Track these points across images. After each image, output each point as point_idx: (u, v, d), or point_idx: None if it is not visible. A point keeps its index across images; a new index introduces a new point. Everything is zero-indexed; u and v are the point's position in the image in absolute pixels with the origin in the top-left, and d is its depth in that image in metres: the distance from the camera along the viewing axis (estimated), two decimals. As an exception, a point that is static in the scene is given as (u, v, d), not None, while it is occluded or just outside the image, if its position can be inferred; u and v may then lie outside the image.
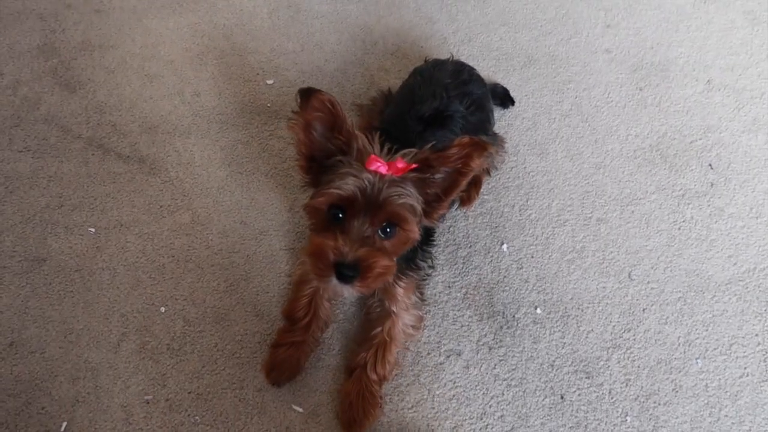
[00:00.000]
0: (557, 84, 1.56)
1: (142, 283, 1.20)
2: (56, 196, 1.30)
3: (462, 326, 1.17)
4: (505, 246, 1.28)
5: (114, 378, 1.09)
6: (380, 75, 1.54)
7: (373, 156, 0.85)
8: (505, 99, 1.48)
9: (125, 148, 1.38)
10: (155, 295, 1.18)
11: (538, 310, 1.20)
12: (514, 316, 1.19)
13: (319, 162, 0.91)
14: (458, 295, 1.21)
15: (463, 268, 1.25)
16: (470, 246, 1.28)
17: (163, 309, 1.17)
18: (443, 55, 1.35)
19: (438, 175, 0.89)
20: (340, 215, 0.87)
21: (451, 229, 1.30)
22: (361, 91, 1.50)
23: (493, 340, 1.16)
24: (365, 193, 0.84)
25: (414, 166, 0.86)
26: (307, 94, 0.84)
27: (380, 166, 0.84)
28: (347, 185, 0.84)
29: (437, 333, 1.16)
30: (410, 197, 0.86)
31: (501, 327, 1.18)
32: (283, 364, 1.08)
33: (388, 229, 0.87)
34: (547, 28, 1.69)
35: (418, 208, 0.88)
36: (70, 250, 1.23)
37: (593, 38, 1.67)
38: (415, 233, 0.89)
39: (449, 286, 1.22)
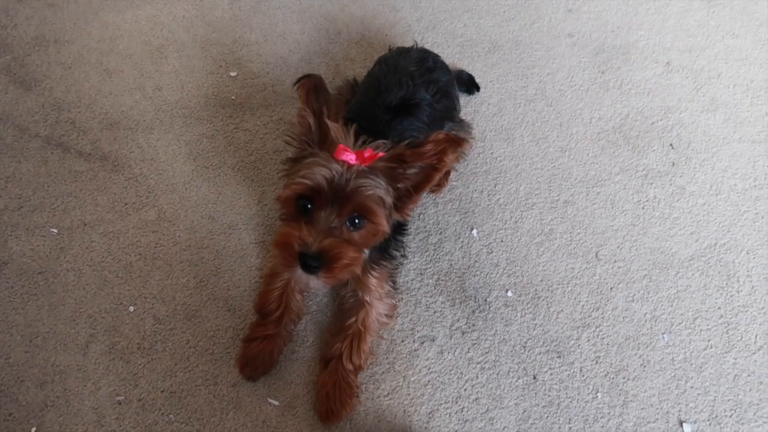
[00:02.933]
0: (521, 69, 1.57)
1: (109, 282, 1.17)
2: (15, 198, 1.26)
3: (435, 312, 1.18)
4: (474, 231, 1.29)
5: (83, 380, 1.07)
6: (345, 64, 1.53)
7: (341, 146, 0.84)
8: (470, 85, 1.49)
9: (86, 146, 1.35)
10: (123, 295, 1.16)
11: (509, 293, 1.22)
12: (485, 300, 1.20)
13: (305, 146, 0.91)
14: (430, 281, 1.22)
15: (434, 254, 1.25)
16: (440, 232, 1.28)
17: (131, 308, 1.15)
18: (408, 43, 1.34)
19: (411, 170, 0.88)
20: (308, 206, 0.86)
21: (421, 216, 1.30)
22: (326, 80, 1.48)
23: (465, 324, 1.17)
24: (332, 183, 0.83)
25: (381, 154, 0.85)
26: (304, 78, 0.88)
27: (349, 156, 0.83)
28: (314, 175, 0.83)
29: (410, 320, 1.17)
30: (379, 189, 0.85)
31: (473, 311, 1.19)
32: (257, 358, 1.07)
33: (356, 221, 0.87)
34: (510, 13, 1.70)
35: (388, 200, 0.87)
36: (33, 252, 1.20)
37: (555, 23, 1.69)
38: (384, 226, 0.88)
39: (421, 273, 1.23)
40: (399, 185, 0.89)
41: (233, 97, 1.44)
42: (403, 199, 0.91)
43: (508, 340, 1.16)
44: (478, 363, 1.13)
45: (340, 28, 1.61)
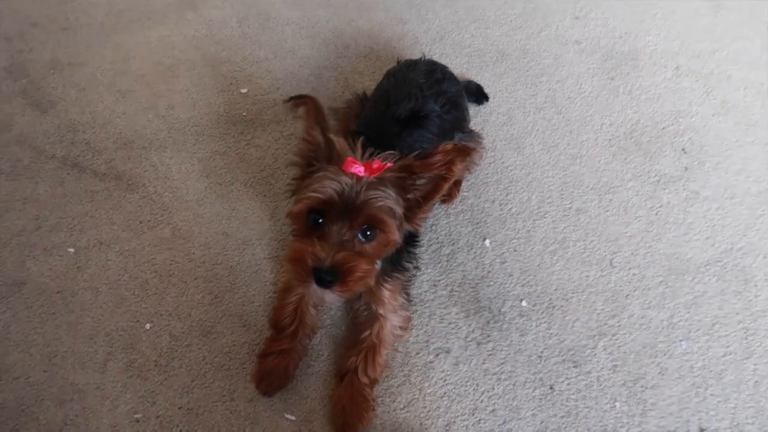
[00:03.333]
0: (530, 78, 1.58)
1: (126, 300, 1.19)
2: (33, 218, 1.29)
3: (449, 324, 1.18)
4: (487, 241, 1.29)
5: (102, 398, 1.08)
6: (354, 78, 1.55)
7: (350, 158, 0.85)
8: (479, 95, 1.49)
9: (101, 166, 1.37)
10: (140, 312, 1.17)
11: (524, 303, 1.21)
12: (500, 311, 1.20)
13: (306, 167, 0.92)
14: (444, 293, 1.22)
15: (447, 265, 1.25)
16: (453, 243, 1.28)
17: (148, 326, 1.16)
18: (416, 55, 1.35)
19: (420, 181, 0.88)
20: (320, 220, 0.87)
21: (433, 227, 1.30)
22: (336, 94, 1.50)
23: (480, 335, 1.17)
24: (343, 196, 0.83)
25: (390, 165, 0.86)
26: (297, 99, 0.90)
27: (358, 168, 0.84)
28: (324, 189, 0.84)
29: (425, 332, 1.17)
30: (389, 200, 0.86)
31: (488, 322, 1.18)
32: (272, 373, 1.07)
33: (368, 233, 0.87)
34: (517, 22, 1.71)
35: (398, 210, 0.88)
36: (50, 271, 1.22)
37: (563, 30, 1.69)
38: (396, 236, 0.89)
39: (435, 285, 1.23)
40: (409, 196, 0.89)
41: (244, 114, 1.46)
42: (414, 209, 0.91)
43: (524, 350, 1.16)
44: (494, 374, 1.13)
45: (348, 42, 1.62)
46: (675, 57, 1.65)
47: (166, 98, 1.49)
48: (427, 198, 0.91)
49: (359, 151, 0.88)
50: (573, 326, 1.19)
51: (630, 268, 1.26)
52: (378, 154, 0.88)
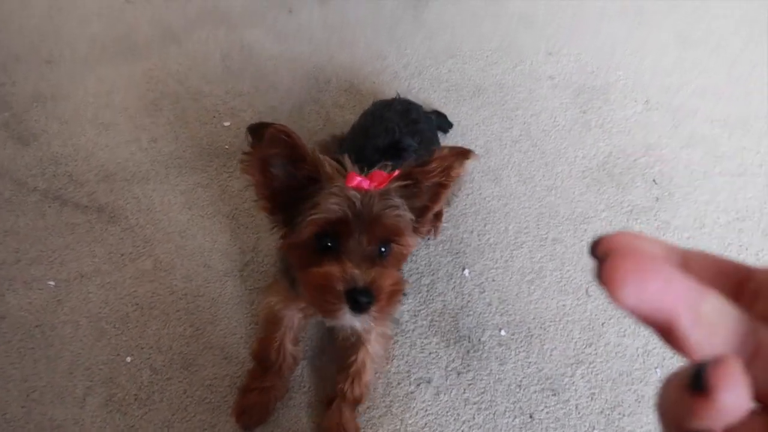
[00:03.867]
0: (506, 111, 1.62)
1: (106, 333, 1.18)
2: (13, 251, 1.28)
3: (430, 353, 1.20)
4: (466, 271, 1.31)
5: (81, 434, 1.07)
6: (335, 111, 1.58)
7: (351, 173, 0.81)
8: (443, 124, 1.52)
9: (83, 198, 1.37)
10: (120, 346, 1.17)
11: (503, 332, 1.23)
12: (479, 340, 1.22)
13: (286, 199, 0.84)
14: (424, 323, 1.24)
15: (427, 295, 1.27)
16: (433, 273, 1.31)
17: (128, 359, 1.16)
18: (394, 89, 1.40)
19: (423, 188, 0.85)
20: (329, 243, 0.80)
21: (413, 258, 1.33)
22: (317, 128, 1.54)
23: (461, 365, 1.18)
24: (355, 210, 0.78)
25: (396, 173, 0.82)
26: (258, 130, 0.77)
27: (362, 181, 0.80)
28: (334, 206, 0.77)
29: (406, 362, 1.18)
30: (401, 208, 0.82)
31: (468, 351, 1.20)
32: (254, 408, 1.07)
33: (382, 248, 0.82)
34: (492, 58, 1.76)
35: (411, 218, 0.84)
36: (30, 305, 1.21)
37: (537, 66, 1.75)
38: (411, 247, 0.85)
39: (415, 315, 1.25)
40: (414, 205, 0.86)
41: (227, 147, 1.48)
42: (418, 219, 0.88)
43: (503, 380, 1.17)
44: (475, 403, 1.14)
45: (330, 76, 1.66)
46: (644, 91, 1.72)
47: (149, 131, 1.50)
48: (428, 207, 0.88)
49: (355, 166, 0.85)
50: (551, 355, 1.21)
51: (605, 297, 1.29)
52: (367, 169, 0.85)
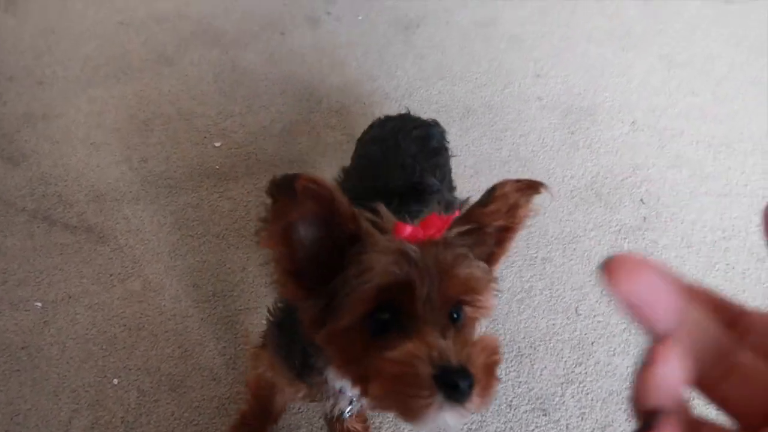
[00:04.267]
0: (495, 132, 1.64)
1: (94, 355, 1.17)
2: (0, 272, 1.27)
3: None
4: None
5: (66, 458, 1.05)
6: (326, 132, 1.59)
7: (399, 222, 0.63)
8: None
9: (72, 219, 1.37)
10: (107, 367, 1.16)
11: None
12: (469, 360, 1.22)
13: (314, 273, 0.62)
14: (414, 342, 1.23)
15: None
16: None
17: (116, 381, 1.14)
18: (386, 109, 1.41)
19: (488, 231, 0.68)
20: (386, 316, 0.59)
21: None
22: (308, 148, 1.55)
23: (451, 385, 1.18)
24: (418, 268, 0.58)
25: (454, 216, 0.65)
26: (284, 185, 0.57)
27: (415, 231, 0.62)
28: (391, 267, 0.57)
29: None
30: (472, 259, 0.63)
31: (458, 371, 1.20)
32: None
33: (455, 314, 0.62)
34: (481, 80, 1.79)
35: (486, 270, 0.65)
36: (16, 327, 1.20)
37: (525, 88, 1.78)
38: (490, 309, 0.65)
39: (405, 335, 1.24)
40: (478, 255, 0.67)
41: (217, 167, 1.49)
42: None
43: (494, 400, 1.17)
44: (465, 425, 1.13)
45: (321, 97, 1.68)
46: (631, 112, 1.74)
47: (139, 151, 1.51)
48: (495, 256, 0.71)
49: (387, 214, 0.66)
50: (541, 374, 1.21)
51: (595, 316, 1.30)
52: (407, 217, 0.67)
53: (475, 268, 0.62)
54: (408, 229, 0.62)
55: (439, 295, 0.58)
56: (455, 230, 0.64)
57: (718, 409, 0.26)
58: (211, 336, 1.21)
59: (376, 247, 0.60)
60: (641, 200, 1.52)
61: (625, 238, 1.44)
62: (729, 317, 0.25)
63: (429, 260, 0.59)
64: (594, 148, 1.64)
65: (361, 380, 0.61)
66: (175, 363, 1.17)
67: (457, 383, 0.52)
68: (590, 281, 1.35)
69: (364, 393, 0.61)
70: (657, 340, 0.24)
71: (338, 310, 0.60)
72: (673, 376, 0.23)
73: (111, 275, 1.29)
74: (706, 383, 0.25)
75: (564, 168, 1.58)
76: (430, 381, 0.52)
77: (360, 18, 1.93)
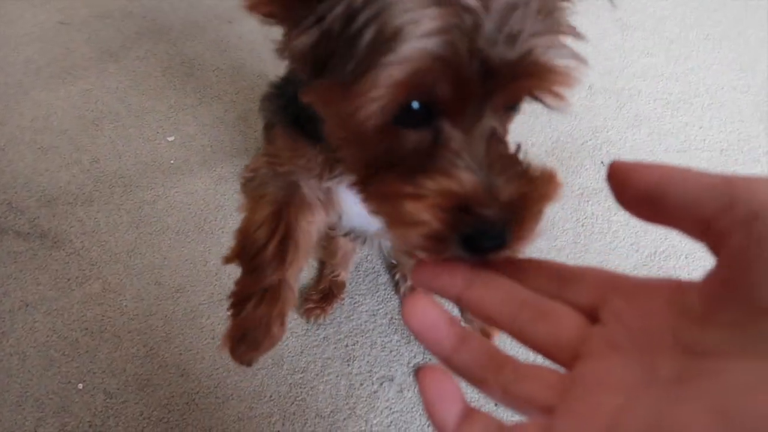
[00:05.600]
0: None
1: (56, 362, 1.14)
2: (-49, 286, 1.23)
3: (391, 351, 1.18)
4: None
5: (32, 468, 1.02)
6: (282, 118, 1.56)
7: None
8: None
9: (24, 226, 1.32)
10: (71, 373, 1.13)
11: (463, 323, 1.23)
12: (440, 333, 1.21)
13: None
14: (384, 321, 1.22)
15: (385, 294, 1.26)
16: (389, 271, 1.30)
17: (80, 386, 1.11)
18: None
19: None
20: (416, 106, 0.37)
21: (368, 257, 1.31)
22: (260, 134, 1.51)
23: (422, 359, 1.17)
24: (477, 41, 0.34)
25: None
26: None
27: None
28: (435, 40, 0.33)
29: (367, 362, 1.16)
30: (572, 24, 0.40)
31: (429, 346, 1.19)
32: (256, 328, 0.63)
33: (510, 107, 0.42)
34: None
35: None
36: (-28, 340, 1.16)
37: (481, 59, 1.77)
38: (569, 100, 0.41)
39: (374, 314, 1.23)
40: None
41: (172, 161, 1.45)
42: None
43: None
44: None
45: (274, 84, 1.65)
46: (588, 76, 1.74)
47: (90, 152, 1.46)
48: None
49: None
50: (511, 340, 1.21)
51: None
52: None
53: (568, 48, 0.39)
54: None
55: (501, 93, 0.38)
56: None
57: (532, 350, 0.31)
58: (176, 332, 1.18)
59: None
60: (602, 162, 1.53)
61: (588, 201, 1.44)
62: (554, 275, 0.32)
63: (500, 27, 0.34)
64: (553, 114, 1.63)
65: (363, 183, 0.43)
66: (140, 362, 1.14)
67: (492, 232, 0.35)
68: (555, 246, 1.35)
69: (364, 199, 0.43)
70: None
71: (338, 62, 0.37)
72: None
73: (68, 279, 1.25)
74: (515, 328, 0.31)
75: (525, 136, 1.57)
76: (452, 240, 0.35)
77: (310, 1, 1.90)
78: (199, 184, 1.41)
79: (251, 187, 0.65)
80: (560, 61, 0.38)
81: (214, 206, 1.36)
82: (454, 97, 0.36)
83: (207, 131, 1.51)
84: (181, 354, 1.16)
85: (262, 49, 1.74)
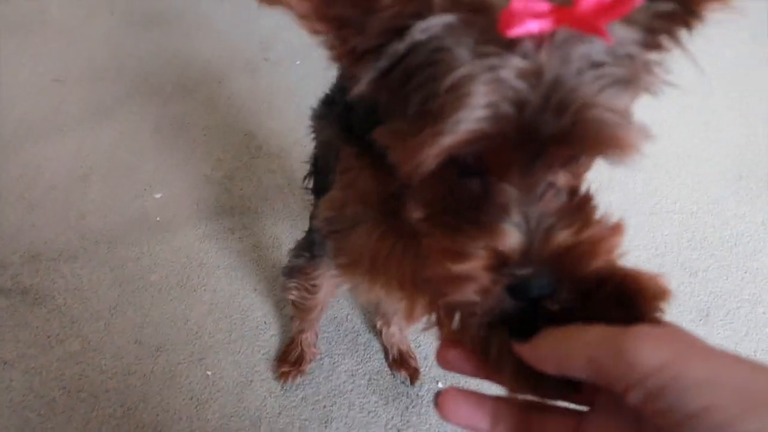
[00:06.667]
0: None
1: (30, 422, 1.13)
2: (-71, 343, 1.23)
3: (369, 413, 1.19)
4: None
5: None
6: (268, 176, 1.61)
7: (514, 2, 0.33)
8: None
9: (6, 282, 1.33)
10: (45, 433, 1.12)
11: (440, 384, 1.24)
12: (417, 394, 1.22)
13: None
14: (362, 382, 1.23)
15: (364, 354, 1.28)
16: (369, 331, 1.31)
17: (54, 447, 1.11)
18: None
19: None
20: (469, 159, 0.38)
21: (349, 317, 1.33)
22: (249, 193, 1.55)
23: (401, 422, 1.18)
24: (528, 109, 0.34)
25: None
26: None
27: (543, 23, 0.33)
28: (482, 113, 0.34)
29: (345, 424, 1.17)
30: (628, 83, 0.37)
31: (407, 407, 1.20)
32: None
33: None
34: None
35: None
36: (-53, 399, 1.15)
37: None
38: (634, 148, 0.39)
39: (353, 375, 1.24)
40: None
41: (158, 218, 1.48)
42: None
43: (443, 433, 1.17)
44: None
45: (261, 143, 1.70)
46: (649, 142, 1.81)
47: (77, 208, 1.49)
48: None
49: None
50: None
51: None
52: None
53: (622, 118, 0.37)
54: (525, 23, 0.32)
55: (554, 155, 0.37)
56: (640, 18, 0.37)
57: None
58: (154, 392, 1.19)
59: (460, 53, 0.34)
60: (577, 224, 1.57)
61: (563, 262, 1.48)
62: None
63: (552, 94, 0.34)
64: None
65: (420, 229, 0.43)
66: (117, 423, 1.14)
67: (534, 296, 0.36)
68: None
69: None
70: None
71: (395, 108, 0.40)
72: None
73: (48, 337, 1.25)
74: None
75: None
76: (494, 288, 0.36)
77: (298, 63, 1.97)
78: (183, 241, 1.43)
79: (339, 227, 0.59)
80: (612, 131, 0.37)
81: (197, 263, 1.39)
82: (502, 160, 0.38)
83: (194, 189, 1.55)
84: (158, 415, 1.16)
85: (251, 109, 1.80)
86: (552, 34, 0.34)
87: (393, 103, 0.40)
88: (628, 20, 0.36)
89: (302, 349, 1.20)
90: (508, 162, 0.37)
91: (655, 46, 0.40)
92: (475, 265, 0.36)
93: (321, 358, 1.25)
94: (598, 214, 0.40)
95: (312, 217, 0.94)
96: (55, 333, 1.26)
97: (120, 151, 1.63)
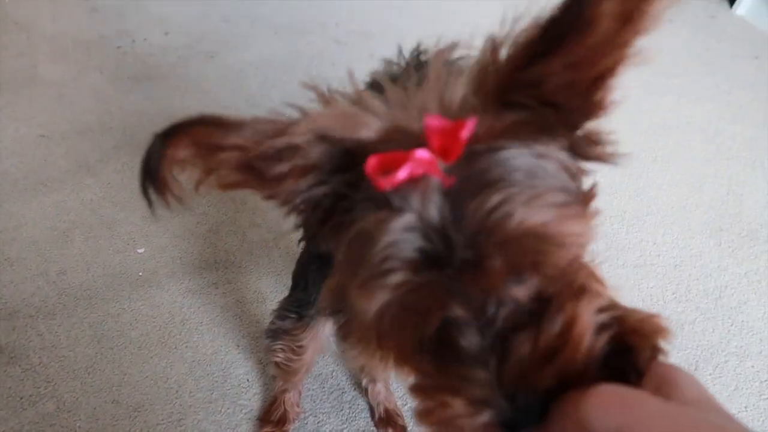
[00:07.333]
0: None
1: (-3, 490, 1.08)
2: None
3: (355, 475, 1.15)
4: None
5: None
6: (252, 230, 1.60)
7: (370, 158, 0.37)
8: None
9: (-20, 340, 1.29)
10: (12, 503, 1.06)
11: None
12: (405, 455, 1.18)
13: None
14: (348, 442, 1.20)
15: (350, 413, 1.24)
16: (355, 388, 1.28)
17: None
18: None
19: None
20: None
21: (334, 373, 1.30)
22: (234, 248, 1.54)
23: (387, 484, 1.14)
24: (444, 239, 0.35)
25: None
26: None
27: (427, 156, 0.35)
28: (395, 263, 0.36)
29: (330, 487, 1.12)
30: (553, 176, 0.40)
31: (394, 469, 1.16)
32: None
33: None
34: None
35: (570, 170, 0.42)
36: None
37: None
38: (583, 237, 0.42)
39: (338, 434, 1.21)
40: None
41: (140, 273, 1.46)
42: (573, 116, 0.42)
43: None
44: None
45: (246, 197, 1.70)
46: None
47: (58, 263, 1.46)
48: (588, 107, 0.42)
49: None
50: None
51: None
52: None
53: (550, 212, 0.37)
54: (426, 163, 0.34)
55: (487, 280, 0.36)
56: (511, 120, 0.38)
57: None
58: (130, 455, 1.14)
59: (363, 214, 0.37)
60: (563, 276, 1.58)
61: (550, 315, 1.47)
62: None
63: (464, 225, 0.35)
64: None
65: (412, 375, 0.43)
66: (89, 490, 1.09)
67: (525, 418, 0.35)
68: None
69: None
70: None
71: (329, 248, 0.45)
72: None
73: (21, 398, 1.21)
74: None
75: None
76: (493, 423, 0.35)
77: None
78: (165, 297, 1.41)
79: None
80: (530, 238, 0.37)
81: (179, 320, 1.36)
82: (440, 300, 0.37)
83: (177, 243, 1.54)
84: (133, 480, 1.10)
85: (236, 164, 1.81)
86: (426, 177, 0.36)
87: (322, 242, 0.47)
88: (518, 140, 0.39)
89: (285, 409, 1.16)
90: (447, 298, 0.37)
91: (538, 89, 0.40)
92: (459, 411, 0.35)
93: (305, 417, 1.21)
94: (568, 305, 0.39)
95: (296, 275, 0.93)
96: (28, 394, 1.21)
97: (104, 206, 1.63)
